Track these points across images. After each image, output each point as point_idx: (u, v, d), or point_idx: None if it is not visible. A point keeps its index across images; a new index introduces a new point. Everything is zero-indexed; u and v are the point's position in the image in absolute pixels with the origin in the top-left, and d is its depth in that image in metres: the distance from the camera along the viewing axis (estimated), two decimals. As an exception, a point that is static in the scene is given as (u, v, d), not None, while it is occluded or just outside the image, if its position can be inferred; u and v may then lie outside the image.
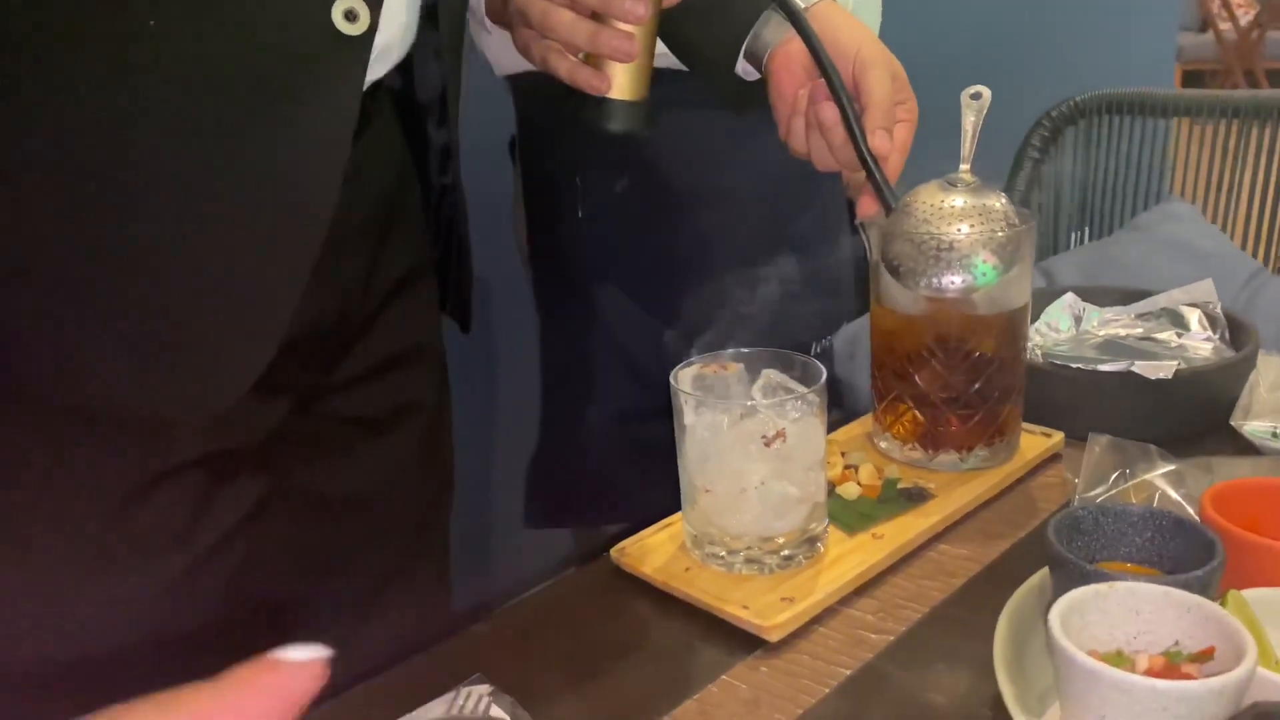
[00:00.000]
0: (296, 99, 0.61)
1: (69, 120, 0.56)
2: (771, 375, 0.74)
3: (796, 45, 0.82)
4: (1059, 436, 0.90)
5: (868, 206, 0.83)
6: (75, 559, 0.66)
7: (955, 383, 0.83)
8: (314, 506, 0.79)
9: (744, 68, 0.88)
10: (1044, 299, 1.11)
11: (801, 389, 0.72)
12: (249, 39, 0.59)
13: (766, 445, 0.70)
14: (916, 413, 0.85)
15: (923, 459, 0.85)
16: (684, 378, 0.73)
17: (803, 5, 0.84)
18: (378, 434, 0.81)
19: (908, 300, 0.83)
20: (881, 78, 0.80)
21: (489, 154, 1.16)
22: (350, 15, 0.60)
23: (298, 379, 0.74)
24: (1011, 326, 0.84)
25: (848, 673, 0.64)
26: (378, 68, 0.70)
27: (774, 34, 0.85)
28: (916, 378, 0.84)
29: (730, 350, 0.76)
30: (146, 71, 0.57)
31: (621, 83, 0.73)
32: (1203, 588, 0.58)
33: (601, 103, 0.73)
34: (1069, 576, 0.60)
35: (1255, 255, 1.55)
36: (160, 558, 0.68)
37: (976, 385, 0.83)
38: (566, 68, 0.73)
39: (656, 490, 0.79)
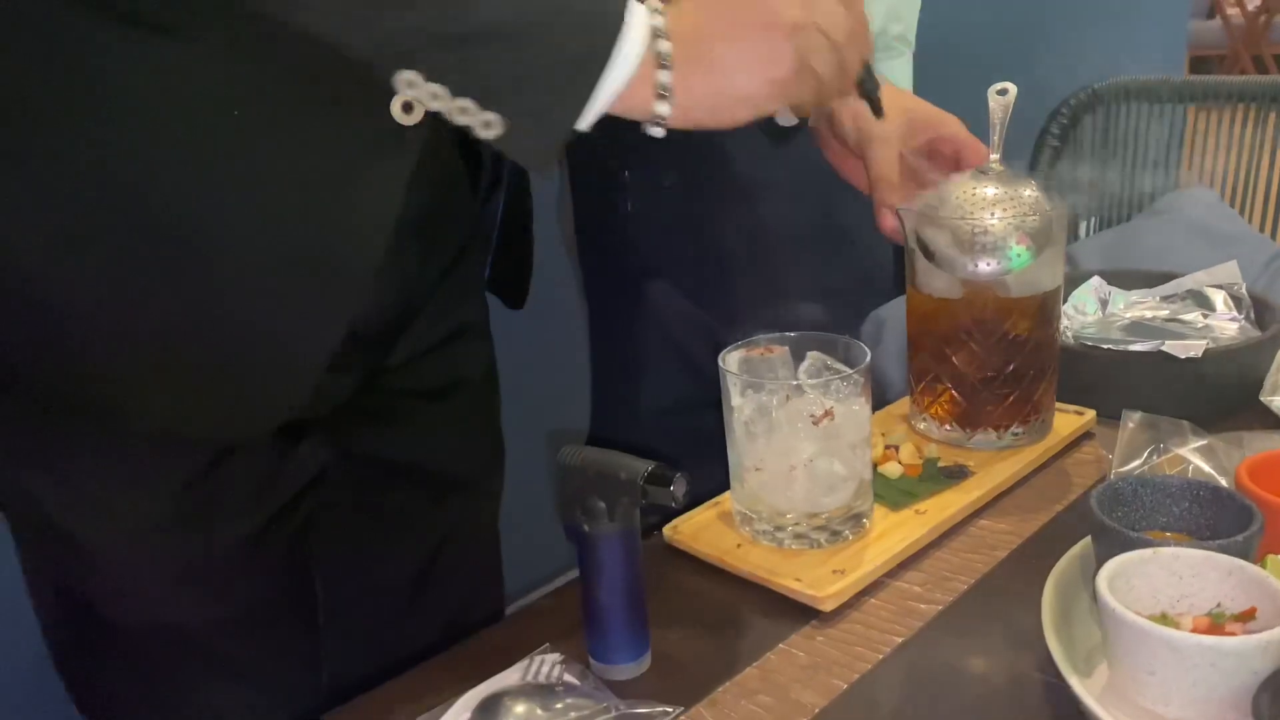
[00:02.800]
0: (349, 181, 0.64)
1: (169, 181, 0.61)
2: (816, 357, 0.77)
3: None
4: (1091, 414, 0.93)
5: (888, 223, 0.87)
6: (156, 519, 0.70)
7: (992, 363, 0.85)
8: (376, 472, 0.84)
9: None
10: (1070, 283, 1.13)
11: (846, 369, 0.75)
12: (313, 131, 0.62)
13: (815, 424, 0.73)
14: (954, 393, 0.88)
15: (961, 438, 0.88)
16: (731, 360, 0.76)
17: None
18: (432, 404, 0.85)
19: (944, 285, 0.86)
20: (884, 156, 0.84)
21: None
22: (407, 107, 0.61)
23: (358, 361, 0.77)
24: (1045, 308, 0.86)
25: (900, 640, 0.67)
26: None
27: None
28: (954, 359, 0.87)
29: (775, 334, 0.79)
30: (228, 157, 0.61)
31: None
32: (1243, 552, 0.61)
33: None
34: (1113, 544, 0.63)
35: (1275, 238, 1.56)
36: (233, 520, 0.72)
37: (1012, 365, 0.86)
38: None
39: (705, 480, 0.82)
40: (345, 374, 0.76)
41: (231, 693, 0.75)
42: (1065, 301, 1.12)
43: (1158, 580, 0.60)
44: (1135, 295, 1.12)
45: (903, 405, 0.96)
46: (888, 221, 0.87)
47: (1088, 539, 0.69)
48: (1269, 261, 1.40)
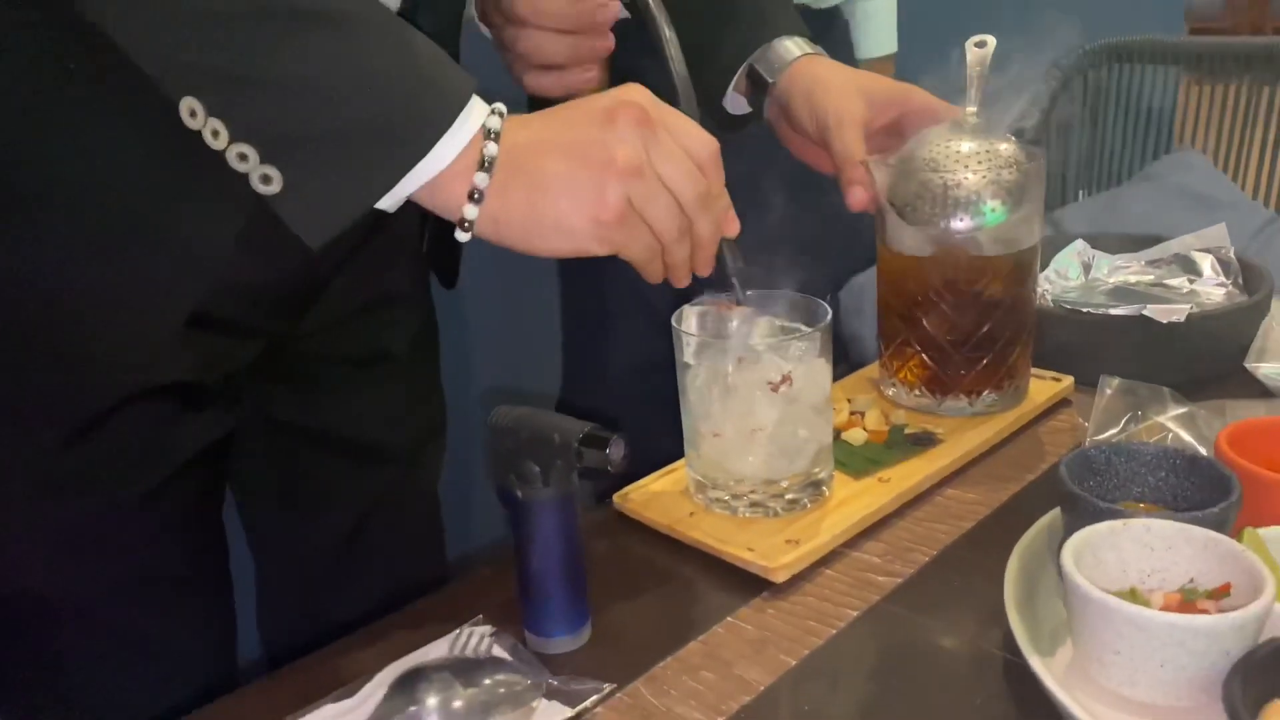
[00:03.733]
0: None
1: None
2: (772, 320, 0.73)
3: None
4: (1069, 381, 0.89)
5: (858, 197, 0.81)
6: (33, 480, 0.65)
7: (963, 325, 0.81)
8: (298, 439, 0.81)
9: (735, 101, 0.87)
10: (1053, 246, 1.09)
11: (804, 328, 0.70)
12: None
13: (773, 390, 0.68)
14: (924, 357, 0.83)
15: (930, 404, 0.84)
16: (687, 318, 0.72)
17: (794, 57, 0.83)
18: (355, 375, 0.82)
19: (915, 242, 0.81)
20: (847, 137, 0.80)
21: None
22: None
23: (264, 324, 0.73)
24: (1020, 268, 0.82)
25: (855, 614, 0.63)
26: None
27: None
28: (924, 321, 0.82)
29: (733, 291, 0.74)
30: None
31: None
32: (1219, 524, 0.57)
33: None
34: (1082, 515, 0.59)
35: (1268, 205, 1.52)
36: (120, 483, 0.68)
37: (985, 328, 0.81)
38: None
39: (677, 442, 0.78)
40: (247, 339, 0.72)
41: (131, 667, 0.71)
42: (1047, 265, 1.08)
43: (1128, 553, 0.56)
44: (1120, 259, 1.07)
45: (872, 370, 0.92)
46: (857, 197, 0.82)
47: (1055, 510, 0.65)
48: (1261, 228, 1.36)
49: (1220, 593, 0.54)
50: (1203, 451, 0.72)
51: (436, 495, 0.92)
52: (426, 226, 0.86)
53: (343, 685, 0.58)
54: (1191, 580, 0.55)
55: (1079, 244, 1.09)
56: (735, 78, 0.85)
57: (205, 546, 0.76)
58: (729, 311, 0.74)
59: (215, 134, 0.52)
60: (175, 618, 0.73)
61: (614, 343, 1.14)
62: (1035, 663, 0.53)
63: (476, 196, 0.56)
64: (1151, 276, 1.04)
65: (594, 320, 1.15)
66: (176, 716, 0.60)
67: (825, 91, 0.81)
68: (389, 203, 0.56)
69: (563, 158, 0.57)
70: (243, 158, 0.52)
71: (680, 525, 0.71)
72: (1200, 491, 0.62)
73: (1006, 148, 0.80)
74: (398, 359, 0.84)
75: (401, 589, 0.83)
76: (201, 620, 0.75)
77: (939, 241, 0.80)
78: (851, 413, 0.82)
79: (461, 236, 0.57)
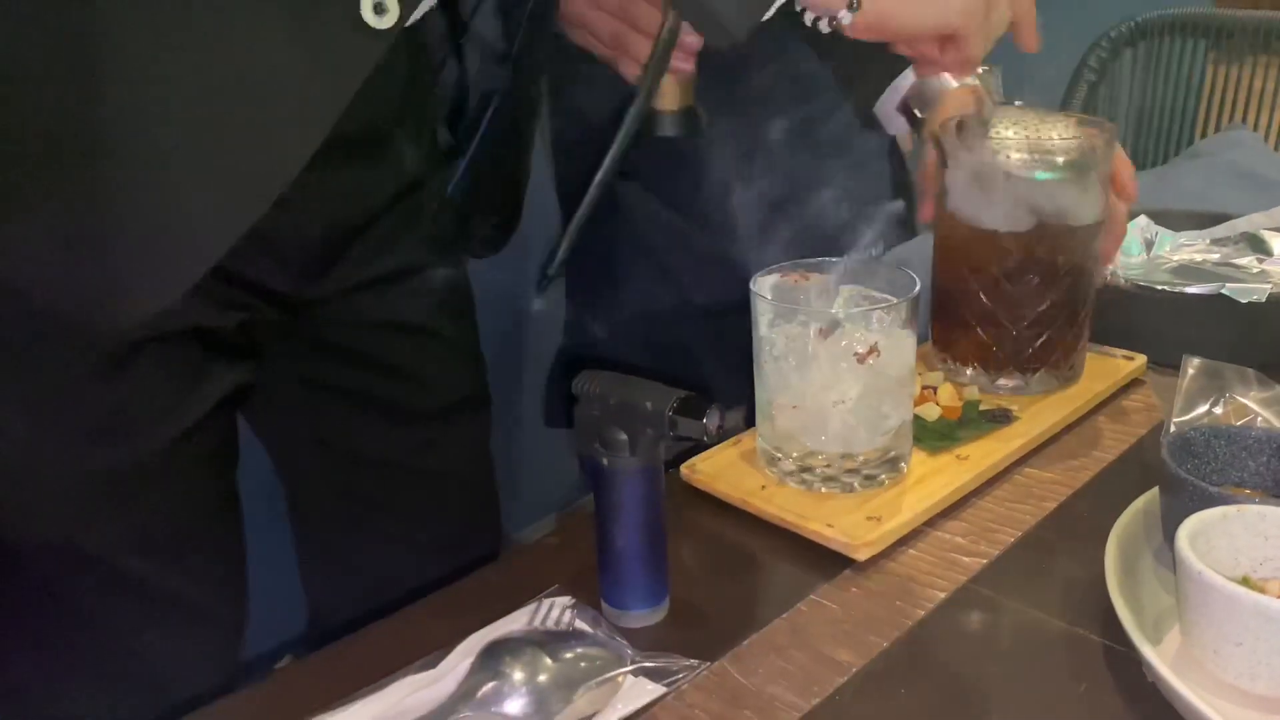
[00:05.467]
0: (290, 76, 0.58)
1: None
2: (856, 289, 0.70)
3: None
4: (1141, 360, 0.86)
5: (930, 213, 0.82)
6: (66, 422, 0.65)
7: (1022, 301, 0.78)
8: (328, 399, 0.81)
9: None
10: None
11: (890, 299, 0.68)
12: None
13: (860, 362, 0.66)
14: (979, 332, 0.80)
15: (985, 383, 0.81)
16: (762, 285, 0.69)
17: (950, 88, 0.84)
18: (386, 341, 0.81)
19: (976, 210, 0.78)
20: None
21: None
22: (379, 9, 0.57)
23: (282, 280, 0.73)
24: (1082, 242, 0.79)
25: (943, 595, 0.61)
26: None
27: None
28: (981, 295, 0.79)
29: (811, 259, 0.71)
30: None
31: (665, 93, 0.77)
32: (1334, 513, 0.54)
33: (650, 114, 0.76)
34: (1188, 499, 0.57)
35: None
36: (150, 424, 0.68)
37: (1043, 305, 0.78)
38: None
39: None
40: (262, 293, 0.72)
41: (154, 624, 0.71)
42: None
43: (1240, 540, 0.54)
44: (1184, 237, 1.05)
45: (927, 347, 0.89)
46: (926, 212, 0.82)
47: (1151, 493, 0.63)
48: (1317, 209, 1.33)
49: (1339, 583, 0.52)
50: (1295, 435, 0.69)
51: (488, 460, 0.90)
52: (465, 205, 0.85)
53: (419, 657, 0.55)
54: (1307, 570, 0.53)
55: (1142, 220, 1.06)
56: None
57: (220, 504, 0.76)
58: (805, 280, 0.71)
59: None
60: (190, 573, 0.72)
61: (618, 289, 1.10)
62: (1148, 651, 0.51)
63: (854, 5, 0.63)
64: (1218, 255, 1.02)
65: (597, 263, 1.11)
66: (195, 680, 0.59)
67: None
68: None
69: None
70: None
71: (754, 499, 0.69)
72: (1305, 478, 0.60)
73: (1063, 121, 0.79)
74: (427, 325, 0.83)
75: (453, 553, 0.81)
76: (215, 578, 0.75)
77: (1003, 210, 0.77)
78: (924, 387, 0.80)
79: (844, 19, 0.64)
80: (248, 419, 0.81)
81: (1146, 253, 1.05)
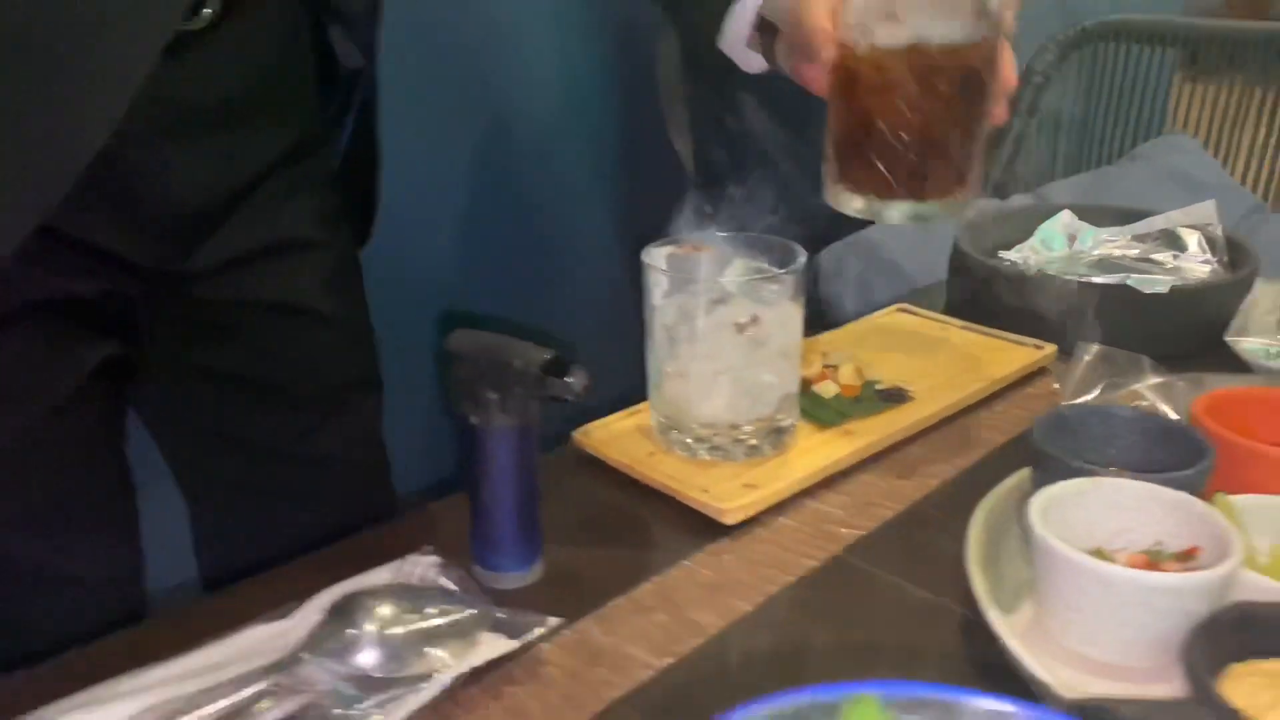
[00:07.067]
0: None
1: None
2: (745, 262, 0.71)
3: None
4: (1051, 349, 0.87)
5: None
6: None
7: (915, 123, 0.65)
8: (208, 382, 0.78)
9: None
10: (1038, 217, 1.07)
11: (776, 271, 0.68)
12: None
13: (740, 332, 0.66)
14: (873, 156, 0.67)
15: (878, 208, 0.67)
16: (656, 257, 0.69)
17: None
18: (268, 321, 0.78)
19: (872, 22, 0.64)
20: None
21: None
22: None
23: (142, 250, 0.70)
24: (977, 68, 0.65)
25: (814, 564, 0.62)
26: None
27: None
28: (875, 116, 0.66)
29: (704, 232, 0.71)
30: None
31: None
32: (1190, 488, 0.55)
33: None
34: (1053, 474, 0.57)
35: (1256, 192, 1.51)
36: (27, 394, 0.67)
37: (938, 127, 0.66)
38: None
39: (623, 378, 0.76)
40: (132, 266, 0.70)
41: (36, 598, 0.70)
42: (1031, 237, 1.06)
43: (1096, 513, 0.55)
44: (1106, 233, 1.06)
45: (850, 329, 0.90)
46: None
47: (1024, 471, 0.63)
48: (1247, 213, 1.35)
49: (1188, 555, 0.52)
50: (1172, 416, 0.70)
51: (379, 438, 0.88)
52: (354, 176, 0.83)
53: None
54: (1159, 542, 0.54)
55: (1065, 215, 1.07)
56: (748, 34, 0.76)
57: (107, 480, 0.75)
58: (698, 252, 0.71)
59: None
60: (79, 550, 0.71)
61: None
62: (993, 617, 0.52)
63: None
64: (1137, 251, 1.03)
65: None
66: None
67: None
68: None
69: None
70: None
71: (639, 465, 0.69)
72: (1174, 457, 0.60)
73: None
74: (312, 306, 0.79)
75: (345, 530, 0.80)
76: (105, 554, 0.74)
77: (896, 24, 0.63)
78: (825, 365, 0.80)
79: None
80: (133, 407, 0.80)
81: (1069, 247, 1.06)
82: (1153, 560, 0.53)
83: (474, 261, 1.62)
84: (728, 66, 0.80)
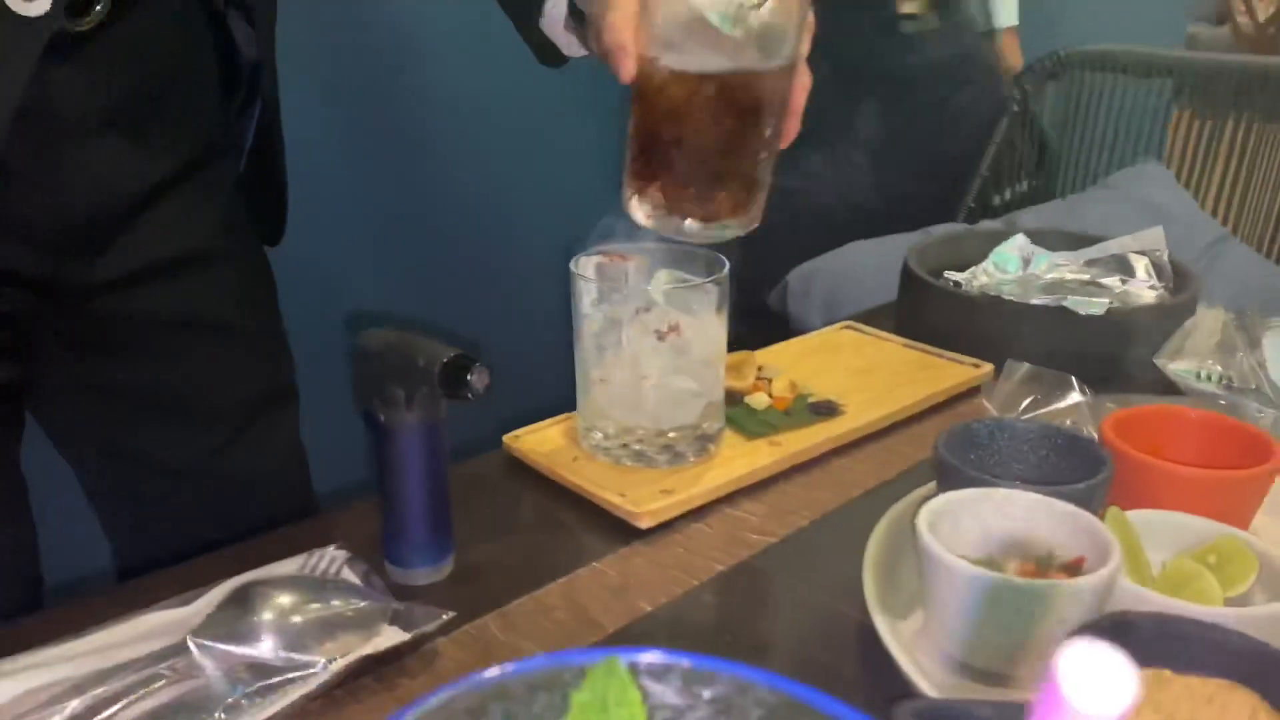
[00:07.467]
0: None
1: None
2: (672, 272, 0.72)
3: None
4: (988, 368, 0.88)
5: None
6: None
7: (698, 142, 0.62)
8: (112, 399, 0.76)
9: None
10: (994, 240, 1.08)
11: (701, 280, 0.69)
12: None
13: (660, 339, 0.67)
14: (667, 174, 0.64)
15: (661, 219, 0.64)
16: (584, 265, 0.71)
17: None
18: (176, 337, 0.76)
19: (659, 48, 0.61)
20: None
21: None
22: None
23: (35, 263, 0.68)
24: (771, 89, 0.62)
25: (721, 568, 0.62)
26: None
27: None
28: (663, 133, 0.63)
29: (631, 243, 0.72)
30: None
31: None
32: (1085, 500, 0.56)
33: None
34: (954, 485, 0.58)
35: (1226, 223, 1.51)
36: None
37: (728, 151, 0.63)
38: None
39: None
40: (28, 280, 0.68)
41: None
42: (985, 259, 1.07)
43: (990, 522, 0.56)
44: (1059, 257, 1.07)
45: (794, 343, 0.91)
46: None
47: (933, 483, 0.64)
48: (1212, 244, 1.35)
49: (1074, 565, 0.53)
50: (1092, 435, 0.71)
51: (297, 447, 0.86)
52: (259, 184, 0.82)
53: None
54: (1049, 553, 0.55)
55: (1019, 239, 1.08)
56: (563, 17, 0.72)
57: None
58: (625, 261, 0.73)
59: None
60: None
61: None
62: (879, 621, 0.52)
63: None
64: (1088, 275, 1.04)
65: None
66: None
67: None
68: None
69: None
70: None
71: (562, 469, 0.70)
72: (1078, 471, 0.61)
73: None
74: (222, 321, 0.77)
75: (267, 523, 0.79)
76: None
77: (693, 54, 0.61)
78: (759, 378, 0.81)
79: None
80: (35, 419, 0.78)
81: (1023, 269, 1.07)
82: (1040, 569, 0.53)
83: (386, 262, 1.60)
84: None
